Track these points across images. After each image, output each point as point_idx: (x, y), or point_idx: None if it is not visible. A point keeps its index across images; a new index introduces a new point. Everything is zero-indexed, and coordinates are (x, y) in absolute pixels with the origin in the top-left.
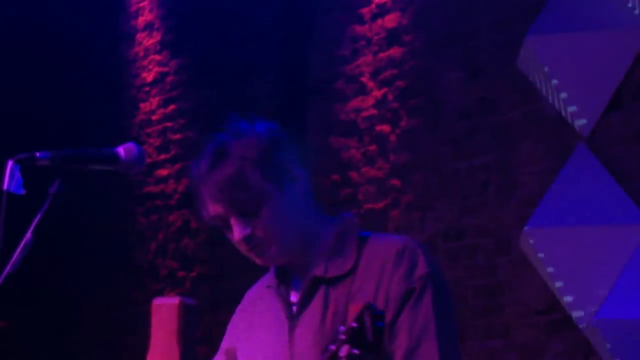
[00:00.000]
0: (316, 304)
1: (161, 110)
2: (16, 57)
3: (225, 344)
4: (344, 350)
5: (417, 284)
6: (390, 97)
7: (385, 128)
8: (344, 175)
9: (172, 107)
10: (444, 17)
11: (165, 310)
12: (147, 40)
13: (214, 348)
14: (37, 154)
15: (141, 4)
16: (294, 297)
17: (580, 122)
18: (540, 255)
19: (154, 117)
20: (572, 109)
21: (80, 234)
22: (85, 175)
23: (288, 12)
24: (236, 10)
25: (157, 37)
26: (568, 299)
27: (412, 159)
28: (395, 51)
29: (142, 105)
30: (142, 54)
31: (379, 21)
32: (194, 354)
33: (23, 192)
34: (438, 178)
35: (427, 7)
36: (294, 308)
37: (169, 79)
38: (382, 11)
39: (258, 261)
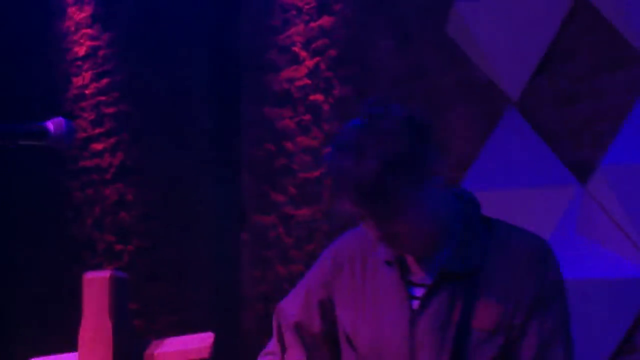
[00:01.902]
0: (444, 295)
1: (94, 84)
2: None
3: (315, 293)
4: None
5: (549, 290)
6: (322, 66)
7: (318, 97)
8: (279, 145)
9: (105, 80)
10: None
11: (96, 285)
12: (78, 15)
13: (152, 320)
14: None
15: None
16: (415, 278)
17: (509, 86)
18: None
19: (87, 91)
20: (501, 73)
21: (15, 210)
22: (18, 150)
23: None
24: None
25: (88, 11)
26: None
27: None
28: (326, 20)
29: (74, 79)
30: (73, 28)
31: None
32: (128, 327)
33: None
34: None
35: None
36: (417, 292)
37: (101, 52)
38: None
39: (391, 251)
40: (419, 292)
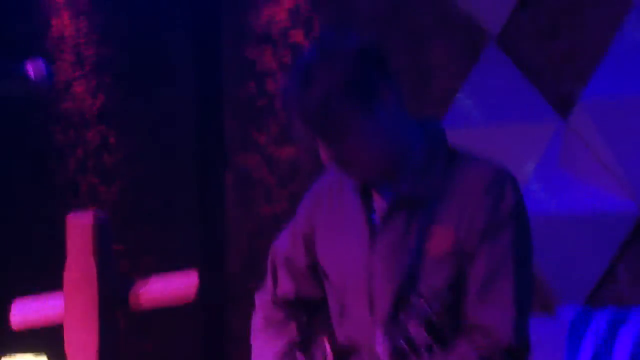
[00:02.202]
0: (399, 222)
1: (74, 26)
2: None
3: (300, 229)
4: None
5: (502, 217)
6: (302, 4)
7: (298, 37)
8: (261, 85)
9: (84, 22)
10: None
11: (79, 226)
12: None
13: (136, 262)
14: None
15: None
16: (377, 206)
17: (489, 21)
18: None
19: (66, 33)
20: (481, 7)
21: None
22: None
23: None
24: None
25: None
26: None
27: None
28: None
29: (54, 21)
30: None
31: None
32: (112, 267)
33: None
34: None
35: None
36: (377, 219)
37: None
38: None
39: (349, 179)
40: (379, 217)
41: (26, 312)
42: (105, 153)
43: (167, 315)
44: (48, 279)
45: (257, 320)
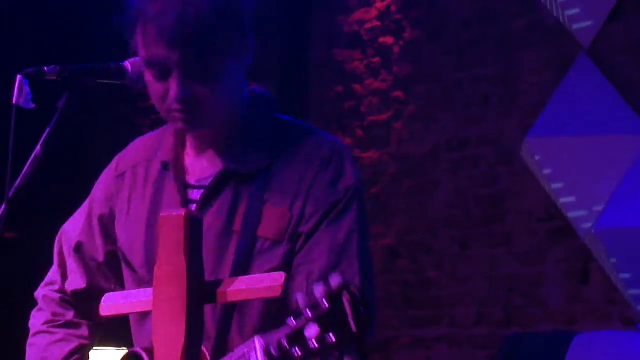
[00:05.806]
0: (223, 201)
1: None
2: None
3: (97, 210)
4: (312, 331)
5: (343, 196)
6: (393, 8)
7: (388, 40)
8: (348, 88)
9: None
10: None
11: (171, 222)
12: None
13: None
14: (45, 68)
15: None
16: (192, 180)
17: (581, 32)
18: (541, 164)
19: None
20: (573, 18)
21: (88, 147)
22: (92, 88)
23: None
24: None
25: None
26: (569, 207)
27: (415, 70)
28: None
29: None
30: None
31: None
32: (201, 265)
33: (32, 106)
34: (441, 89)
35: None
36: (193, 195)
37: None
38: None
39: (179, 125)
40: (198, 194)
41: (115, 301)
42: None
43: None
44: None
45: (42, 318)
